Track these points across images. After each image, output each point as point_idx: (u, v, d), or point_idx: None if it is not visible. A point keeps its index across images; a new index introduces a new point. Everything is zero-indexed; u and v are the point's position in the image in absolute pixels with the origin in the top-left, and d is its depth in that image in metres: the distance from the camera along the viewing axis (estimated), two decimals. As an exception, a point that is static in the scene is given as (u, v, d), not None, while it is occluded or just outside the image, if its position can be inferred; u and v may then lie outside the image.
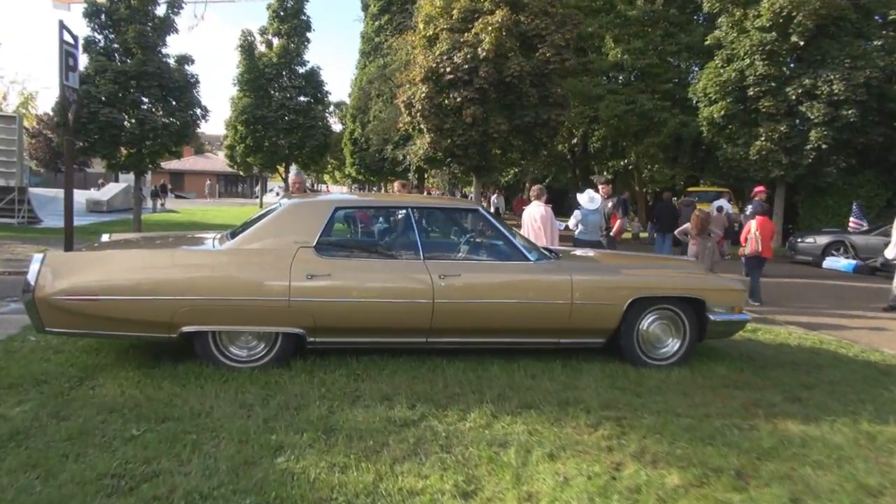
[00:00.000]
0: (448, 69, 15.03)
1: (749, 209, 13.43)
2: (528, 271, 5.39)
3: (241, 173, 45.15)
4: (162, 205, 32.20)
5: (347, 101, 37.09)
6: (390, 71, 20.73)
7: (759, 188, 12.85)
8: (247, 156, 26.79)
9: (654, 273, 5.84)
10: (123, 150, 20.39)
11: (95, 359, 5.22)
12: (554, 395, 4.73)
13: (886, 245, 14.91)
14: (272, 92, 25.45)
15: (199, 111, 22.38)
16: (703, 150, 26.09)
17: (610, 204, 10.14)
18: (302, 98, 25.81)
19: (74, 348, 5.45)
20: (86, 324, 4.77)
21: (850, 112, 17.38)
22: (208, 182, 52.29)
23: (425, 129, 15.80)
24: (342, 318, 5.05)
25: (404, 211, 5.39)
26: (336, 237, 5.25)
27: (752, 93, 18.59)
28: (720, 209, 14.20)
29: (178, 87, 20.50)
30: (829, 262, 15.87)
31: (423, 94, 15.39)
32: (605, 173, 32.66)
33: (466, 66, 15.00)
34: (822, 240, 16.41)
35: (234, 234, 5.40)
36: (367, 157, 25.80)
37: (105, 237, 6.28)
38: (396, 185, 8.25)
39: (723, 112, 19.03)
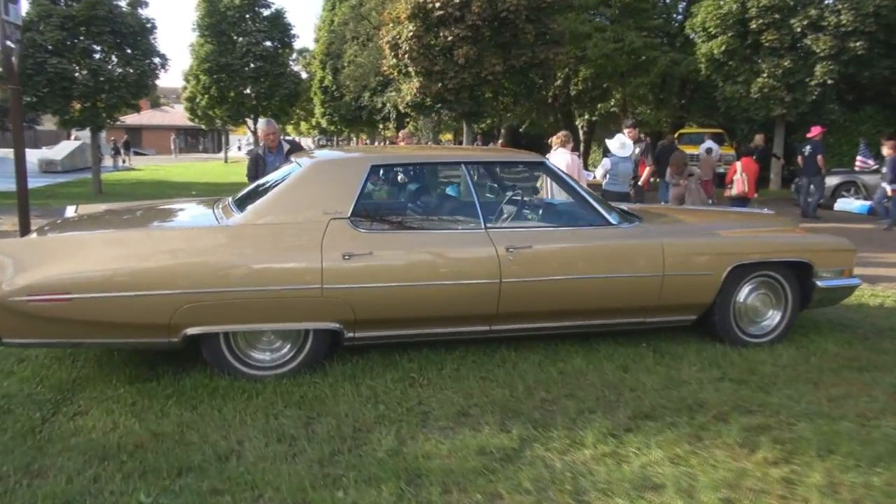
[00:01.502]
0: (438, 5, 13.61)
1: (807, 149, 13.29)
2: (611, 238, 4.36)
3: (204, 127, 42.98)
4: (124, 162, 30.21)
5: (312, 46, 34.87)
6: (366, 10, 19.10)
7: (816, 129, 12.50)
8: (211, 108, 24.96)
9: (751, 234, 4.84)
10: (76, 105, 18.64)
11: (72, 370, 4.08)
12: (664, 394, 3.77)
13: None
14: (235, 37, 23.53)
15: (157, 60, 20.58)
16: (690, 90, 25.13)
17: (637, 150, 9.11)
18: (268, 43, 23.95)
19: (43, 356, 4.29)
20: (57, 331, 3.62)
21: (857, 44, 16.44)
22: (174, 137, 49.71)
23: (413, 73, 14.44)
24: (388, 306, 3.97)
25: (457, 167, 4.27)
26: (374, 204, 4.12)
27: (754, 26, 17.48)
28: (709, 151, 13.68)
29: (133, 33, 18.65)
30: (841, 204, 15.15)
31: (411, 34, 13.98)
32: (585, 116, 31.60)
33: (458, 1, 13.59)
34: (832, 181, 15.64)
35: (240, 204, 4.24)
36: (342, 107, 24.20)
37: (70, 211, 5.03)
38: (402, 134, 7.03)
39: (723, 47, 17.93)
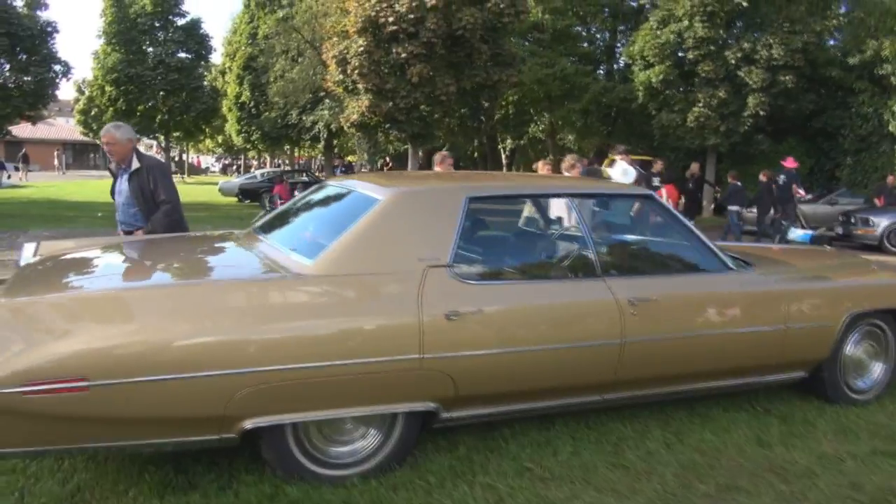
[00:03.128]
0: (391, 20, 12.83)
1: (782, 178, 13.49)
2: (734, 285, 3.70)
3: (99, 142, 39.86)
4: (9, 177, 27.12)
5: (218, 60, 32.87)
6: (298, 23, 18.00)
7: (790, 160, 12.42)
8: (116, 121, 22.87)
9: (861, 279, 4.35)
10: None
11: (67, 479, 2.93)
12: (830, 478, 3.12)
13: (836, 214, 14.82)
14: (146, 47, 21.67)
15: (58, 67, 18.60)
16: (614, 118, 25.51)
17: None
18: (182, 55, 22.22)
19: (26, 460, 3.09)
20: (66, 433, 2.54)
21: (787, 77, 17.10)
22: (58, 152, 45.63)
23: (363, 90, 13.54)
24: (497, 377, 3.11)
25: (562, 200, 3.48)
26: (473, 246, 3.26)
27: (691, 56, 17.88)
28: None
29: (30, 37, 16.73)
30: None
31: (361, 49, 13.11)
32: (508, 141, 31.57)
33: (412, 17, 12.86)
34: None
35: (291, 243, 3.27)
36: (265, 124, 22.71)
37: (28, 251, 3.84)
38: (438, 157, 6.10)
39: (661, 76, 18.20)
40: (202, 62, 23.57)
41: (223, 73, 29.22)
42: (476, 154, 34.23)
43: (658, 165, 11.89)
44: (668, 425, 3.66)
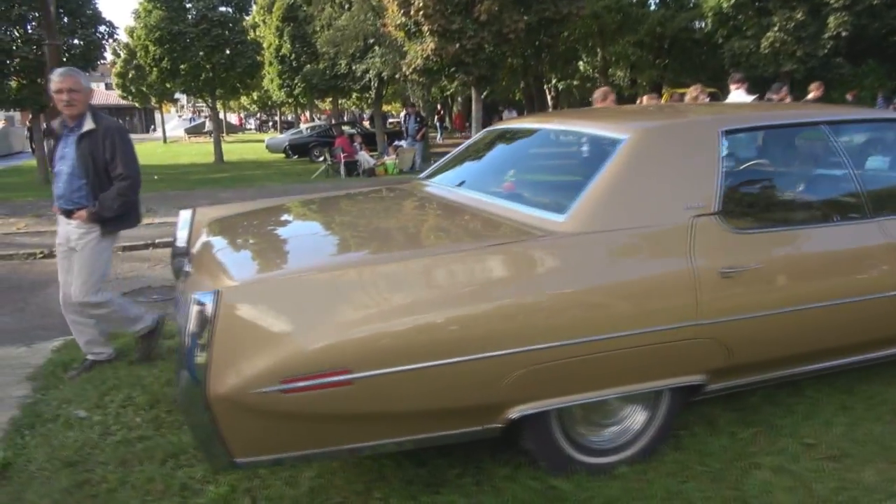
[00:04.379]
0: (455, -46, 12.02)
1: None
2: None
3: (138, 105, 39.54)
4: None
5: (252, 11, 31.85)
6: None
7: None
8: (164, 82, 22.39)
9: None
10: (14, 82, 16.15)
11: (301, 480, 2.56)
12: None
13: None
14: (185, 3, 21.01)
15: (104, 28, 18.10)
16: (667, 51, 24.25)
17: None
18: (223, 8, 21.51)
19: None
20: (323, 435, 2.15)
21: (872, -6, 15.86)
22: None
23: (427, 32, 12.82)
24: (774, 340, 2.65)
25: (821, 131, 2.93)
26: (735, 189, 2.74)
27: (765, -23, 16.67)
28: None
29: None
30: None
31: (425, -13, 12.35)
32: (553, 82, 30.39)
33: (477, -50, 12.04)
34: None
35: (519, 198, 2.80)
36: (313, 75, 22.07)
37: (184, 217, 3.44)
38: (599, 94, 5.61)
39: (732, 1, 17.03)
40: (243, 15, 22.79)
41: (255, 27, 28.48)
42: (519, 97, 33.20)
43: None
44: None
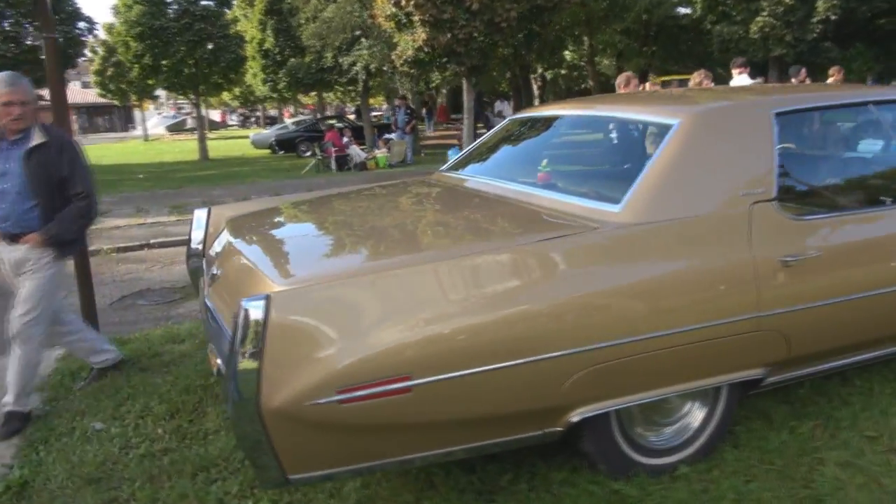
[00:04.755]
0: (446, -59, 11.81)
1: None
2: None
3: (117, 103, 38.88)
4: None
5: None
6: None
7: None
8: (145, 79, 21.96)
9: None
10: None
11: (345, 493, 2.41)
12: None
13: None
14: (165, -4, 20.63)
15: (83, 24, 17.74)
16: (653, 38, 24.17)
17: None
18: (205, 2, 21.14)
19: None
20: (378, 447, 2.00)
21: (861, -24, 15.85)
22: (74, 117, 44.91)
23: (418, 22, 12.61)
24: (834, 330, 2.55)
25: (871, 112, 2.82)
26: (793, 174, 2.61)
27: (753, -40, 16.60)
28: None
29: (54, -7, 15.81)
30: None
31: (415, -23, 12.13)
32: (539, 71, 30.23)
33: (468, -63, 11.84)
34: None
35: (564, 188, 2.66)
36: (299, 69, 21.77)
37: (200, 217, 3.27)
38: (622, 79, 5.54)
39: (721, -14, 16.98)
40: (225, 8, 22.39)
41: (235, 20, 28.01)
42: (505, 88, 33.04)
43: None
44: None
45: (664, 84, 20.04)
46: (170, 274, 6.63)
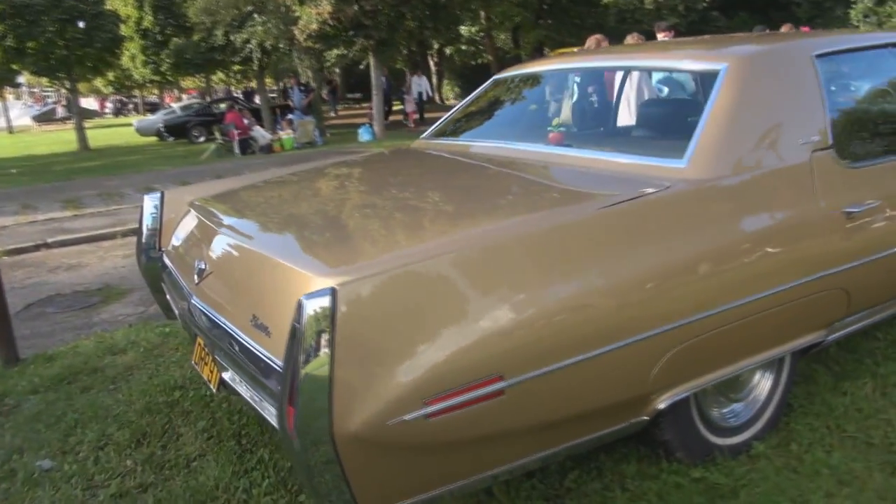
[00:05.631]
0: None
1: None
2: None
3: (-28, 92, 34.95)
4: None
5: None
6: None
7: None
8: (8, 63, 19.71)
9: None
10: None
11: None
12: None
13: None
14: (26, -29, 18.52)
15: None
16: (549, 9, 24.38)
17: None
18: (73, -24, 19.19)
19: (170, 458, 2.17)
20: (464, 465, 1.65)
21: (744, -53, 16.54)
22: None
23: (323, -7, 11.95)
24: (887, 284, 2.43)
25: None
26: (841, 119, 2.43)
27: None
28: None
29: None
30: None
31: (317, -56, 11.44)
32: (436, 46, 29.86)
33: None
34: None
35: (612, 146, 2.37)
36: (188, 49, 20.21)
37: (151, 205, 2.74)
38: (592, 41, 5.29)
39: (615, -43, 17.24)
40: (96, -17, 20.47)
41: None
42: (401, 65, 32.44)
43: None
44: None
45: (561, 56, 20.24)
46: (79, 275, 5.85)
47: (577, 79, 2.89)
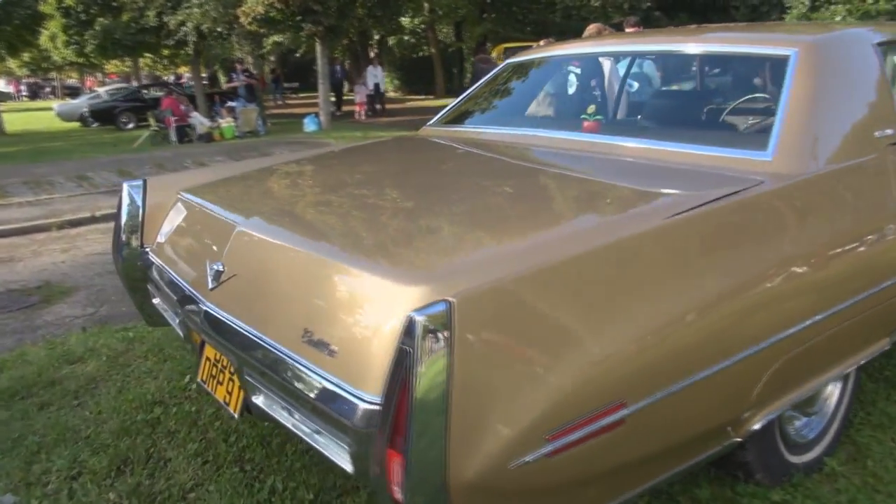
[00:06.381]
0: None
1: None
2: None
3: None
4: None
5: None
6: None
7: None
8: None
9: None
10: None
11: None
12: None
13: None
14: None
15: None
16: (492, 4, 24.33)
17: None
18: (-14, -53, 17.78)
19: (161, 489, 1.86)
20: (582, 496, 1.38)
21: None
22: None
23: (270, -25, 11.38)
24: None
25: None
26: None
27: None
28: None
29: None
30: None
31: (264, -77, 10.88)
32: (376, 36, 29.31)
33: None
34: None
35: (675, 137, 2.14)
36: (118, 30, 18.97)
37: (133, 195, 2.36)
38: (593, 29, 5.05)
39: (564, -46, 17.26)
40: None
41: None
42: (339, 54, 31.69)
43: None
44: None
45: (507, 51, 20.24)
46: (13, 271, 5.26)
47: (621, 64, 2.66)
